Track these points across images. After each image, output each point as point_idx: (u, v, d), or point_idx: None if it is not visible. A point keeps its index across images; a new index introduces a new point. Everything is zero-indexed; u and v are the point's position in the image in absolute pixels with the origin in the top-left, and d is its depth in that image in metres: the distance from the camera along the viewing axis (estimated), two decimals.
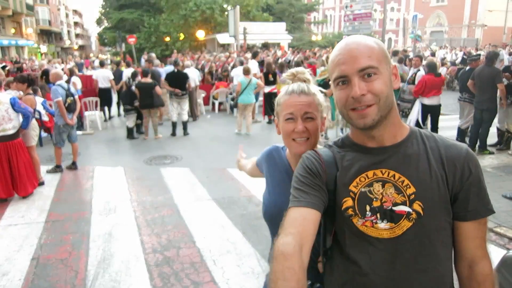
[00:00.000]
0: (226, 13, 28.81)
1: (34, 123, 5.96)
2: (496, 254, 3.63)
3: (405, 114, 7.81)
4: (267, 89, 10.00)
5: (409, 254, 1.15)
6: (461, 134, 7.52)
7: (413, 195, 1.13)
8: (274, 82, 10.12)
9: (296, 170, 1.28)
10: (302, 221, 1.12)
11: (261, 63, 12.17)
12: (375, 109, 1.13)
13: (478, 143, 6.93)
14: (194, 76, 10.88)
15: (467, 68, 7.72)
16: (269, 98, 9.59)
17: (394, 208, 1.14)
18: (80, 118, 9.77)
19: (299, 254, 1.05)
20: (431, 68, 7.30)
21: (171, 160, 7.37)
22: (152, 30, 33.66)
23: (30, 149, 5.78)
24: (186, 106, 9.59)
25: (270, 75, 10.17)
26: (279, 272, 1.02)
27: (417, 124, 7.33)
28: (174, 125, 9.32)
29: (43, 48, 45.19)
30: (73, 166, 6.82)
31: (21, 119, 5.36)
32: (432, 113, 7.45)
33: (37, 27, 44.36)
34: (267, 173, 1.70)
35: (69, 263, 3.78)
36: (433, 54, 16.77)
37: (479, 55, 8.45)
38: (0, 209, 5.13)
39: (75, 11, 77.04)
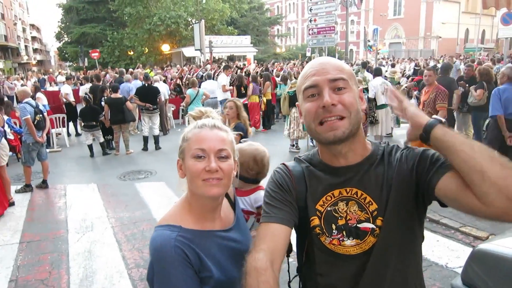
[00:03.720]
0: (191, 26, 28.92)
1: (3, 142, 5.79)
2: (463, 252, 3.91)
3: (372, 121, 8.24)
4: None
5: (376, 266, 1.17)
6: None
7: (375, 212, 1.16)
8: (245, 95, 10.34)
9: (267, 184, 1.29)
10: (272, 237, 1.15)
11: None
12: (346, 122, 1.13)
13: None
14: (163, 90, 10.89)
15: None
16: None
17: (359, 225, 1.17)
18: (46, 135, 9.50)
19: (271, 269, 1.08)
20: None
21: (145, 175, 7.32)
22: (115, 44, 33.18)
23: (0, 169, 5.61)
24: (157, 120, 9.57)
25: (242, 88, 10.40)
26: (255, 287, 1.04)
27: None
28: (145, 139, 9.27)
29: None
30: (43, 185, 6.64)
31: None
32: None
33: None
34: (208, 265, 1.22)
35: (50, 283, 3.72)
36: (393, 65, 17.54)
37: (435, 66, 9.03)
38: None
39: (32, 26, 74.62)
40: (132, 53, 32.95)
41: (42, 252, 4.37)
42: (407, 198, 1.15)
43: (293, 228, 1.24)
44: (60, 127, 10.24)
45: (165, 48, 29.96)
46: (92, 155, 8.81)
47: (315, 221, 1.21)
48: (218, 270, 1.22)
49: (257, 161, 1.82)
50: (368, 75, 11.11)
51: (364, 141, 1.24)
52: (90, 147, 8.82)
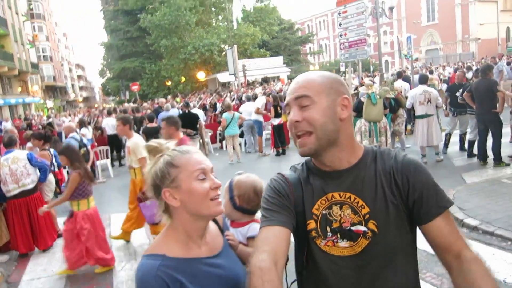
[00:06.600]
0: (224, 53, 29.65)
1: (50, 178, 6.07)
2: None
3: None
4: (276, 121, 10.22)
5: (369, 268, 1.21)
6: (471, 146, 7.61)
7: (367, 215, 1.20)
8: (281, 114, 10.31)
9: (264, 192, 1.33)
10: (274, 239, 1.18)
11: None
12: (313, 138, 1.20)
13: (493, 156, 6.88)
14: (200, 116, 11.14)
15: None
16: (278, 130, 10.36)
17: (352, 228, 1.22)
18: (92, 167, 9.92)
19: (275, 269, 1.11)
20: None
21: None
22: (153, 76, 34.63)
23: (45, 204, 5.86)
24: (197, 145, 9.74)
25: (278, 107, 10.37)
26: (259, 286, 1.07)
27: None
28: None
29: (49, 103, 46.38)
30: None
31: (38, 173, 5.49)
32: None
33: (43, 83, 45.64)
34: None
35: None
36: (431, 72, 17.03)
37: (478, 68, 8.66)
38: (21, 264, 5.17)
39: (78, 65, 79.53)
40: (169, 83, 34.17)
41: (88, 283, 4.49)
42: (397, 207, 1.21)
43: (292, 233, 1.28)
44: (104, 158, 10.67)
45: (201, 75, 30.85)
46: None
47: (312, 224, 1.26)
48: None
49: (257, 192, 1.81)
50: (404, 84, 10.81)
51: (352, 147, 1.27)
52: None
